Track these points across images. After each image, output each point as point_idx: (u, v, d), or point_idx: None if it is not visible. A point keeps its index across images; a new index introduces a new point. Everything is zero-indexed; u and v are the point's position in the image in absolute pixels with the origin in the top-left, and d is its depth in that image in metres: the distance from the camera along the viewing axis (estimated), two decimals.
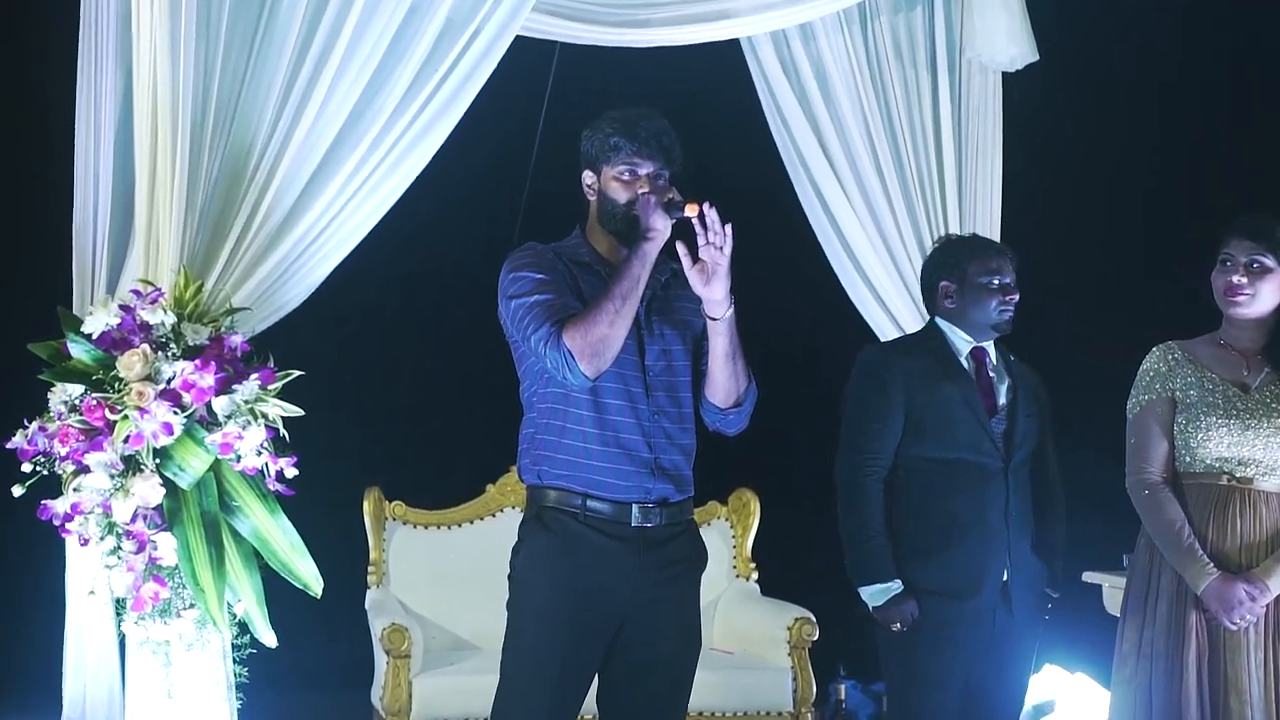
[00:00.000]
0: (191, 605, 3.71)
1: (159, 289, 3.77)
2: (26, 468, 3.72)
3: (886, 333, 5.27)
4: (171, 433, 3.60)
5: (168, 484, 3.67)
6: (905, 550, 3.87)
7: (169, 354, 3.68)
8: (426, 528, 5.64)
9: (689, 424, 3.40)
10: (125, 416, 3.60)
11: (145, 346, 3.65)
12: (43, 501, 3.69)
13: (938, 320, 4.07)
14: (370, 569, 5.49)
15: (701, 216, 3.19)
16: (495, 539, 5.49)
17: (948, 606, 3.84)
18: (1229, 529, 3.62)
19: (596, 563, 3.27)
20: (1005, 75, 5.49)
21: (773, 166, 5.41)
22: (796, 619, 5.35)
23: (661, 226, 3.21)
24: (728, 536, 5.83)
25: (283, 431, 3.75)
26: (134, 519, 3.63)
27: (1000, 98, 5.49)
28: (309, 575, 3.76)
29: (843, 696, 5.77)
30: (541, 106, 5.66)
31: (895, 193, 5.34)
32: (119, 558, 3.65)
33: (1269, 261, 3.66)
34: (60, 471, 3.71)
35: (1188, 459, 3.68)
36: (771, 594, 5.73)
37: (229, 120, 3.96)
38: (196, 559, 3.64)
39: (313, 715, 5.62)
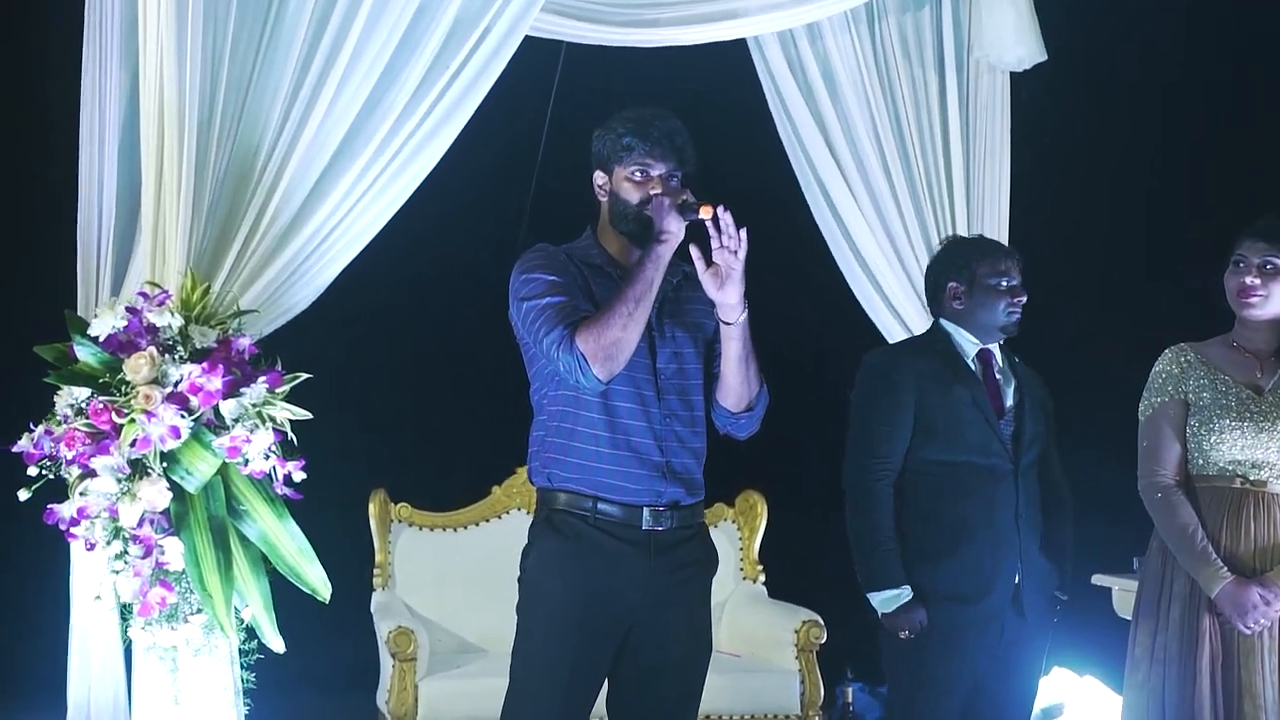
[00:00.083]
0: (199, 610, 3.68)
1: (166, 291, 3.74)
2: (32, 471, 3.70)
3: (894, 334, 5.26)
4: (179, 436, 3.58)
5: (175, 488, 3.64)
6: (914, 554, 3.85)
7: (176, 357, 3.65)
8: (432, 530, 5.63)
9: (700, 427, 3.38)
10: (132, 420, 3.57)
11: (152, 349, 3.62)
12: (49, 506, 3.66)
13: (943, 322, 4.04)
14: (376, 571, 5.47)
15: (716, 219, 3.17)
16: (501, 541, 5.54)
17: (957, 611, 3.81)
18: (1243, 532, 3.60)
19: (607, 566, 3.26)
20: (1012, 75, 5.48)
21: (778, 167, 5.39)
22: (804, 622, 5.34)
23: (675, 229, 3.18)
24: (734, 539, 5.81)
25: (291, 435, 3.72)
26: (141, 523, 3.61)
27: (1008, 98, 5.47)
28: (317, 580, 3.74)
29: (850, 699, 5.75)
30: (547, 107, 5.65)
31: (903, 193, 5.32)
32: (126, 562, 3.62)
33: None
34: (66, 475, 3.69)
35: (1201, 462, 3.66)
36: (778, 596, 5.71)
37: (236, 120, 3.94)
38: (204, 564, 3.62)
39: (318, 718, 5.59)
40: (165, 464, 3.63)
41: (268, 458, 3.67)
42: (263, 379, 3.68)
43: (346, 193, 4.04)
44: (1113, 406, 5.42)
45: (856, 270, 5.35)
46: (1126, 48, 5.94)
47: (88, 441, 3.61)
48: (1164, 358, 3.78)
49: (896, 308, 5.30)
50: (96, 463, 3.59)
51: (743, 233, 3.17)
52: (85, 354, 3.67)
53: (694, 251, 3.20)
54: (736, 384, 3.33)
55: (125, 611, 3.74)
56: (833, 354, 5.24)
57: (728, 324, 3.26)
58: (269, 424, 3.66)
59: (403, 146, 4.10)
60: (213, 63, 3.88)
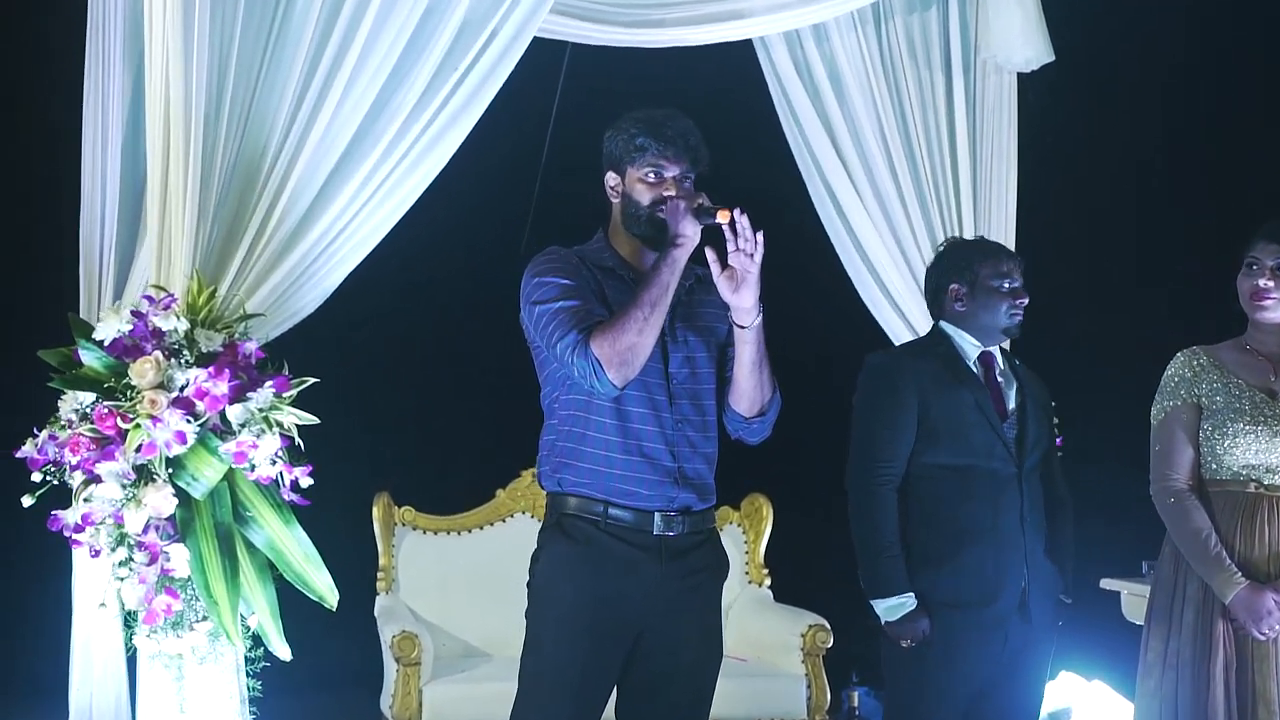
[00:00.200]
0: (204, 618, 3.64)
1: (171, 295, 3.70)
2: (36, 477, 3.65)
3: (900, 336, 5.24)
4: (185, 442, 3.53)
5: (180, 494, 3.59)
6: (918, 559, 3.82)
7: (182, 361, 3.61)
8: (436, 533, 5.61)
9: (712, 432, 3.35)
10: (137, 425, 3.53)
11: (158, 353, 3.58)
12: (53, 512, 3.62)
13: (944, 325, 4.01)
14: (379, 575, 5.46)
15: (732, 223, 3.14)
16: (505, 544, 5.56)
17: (961, 617, 3.78)
18: (1257, 537, 3.58)
19: (618, 571, 3.23)
20: (1019, 76, 5.46)
21: (784, 169, 5.38)
22: (810, 626, 5.32)
23: (691, 233, 3.15)
24: (740, 542, 5.80)
25: (298, 440, 3.68)
26: (146, 530, 3.56)
27: (1015, 99, 5.46)
28: (324, 587, 3.70)
29: (855, 703, 5.74)
30: (552, 108, 5.63)
31: (909, 195, 5.31)
32: (130, 569, 3.57)
33: None
34: (70, 481, 3.64)
35: (1214, 466, 3.64)
36: (784, 600, 5.71)
37: (242, 122, 3.90)
38: (210, 571, 3.58)
39: None
40: (171, 470, 3.59)
41: (274, 463, 3.63)
42: (270, 383, 3.64)
43: (354, 195, 4.00)
44: (1119, 408, 5.41)
45: (862, 272, 5.34)
46: (1130, 48, 5.94)
47: (92, 447, 3.56)
48: (1176, 361, 3.75)
49: (903, 309, 5.29)
50: (101, 468, 3.55)
51: (759, 235, 3.14)
52: (90, 358, 3.62)
53: (709, 254, 3.18)
54: (750, 388, 3.30)
55: (130, 619, 3.70)
56: (838, 356, 5.21)
57: (742, 327, 3.23)
58: (276, 429, 3.62)
59: (410, 148, 4.06)
60: (219, 64, 3.84)
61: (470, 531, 5.65)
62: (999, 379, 3.96)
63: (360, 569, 5.38)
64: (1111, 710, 5.30)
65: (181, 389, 3.57)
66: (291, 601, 3.79)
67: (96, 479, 3.57)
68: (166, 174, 3.79)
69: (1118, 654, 5.05)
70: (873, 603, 3.83)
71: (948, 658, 3.78)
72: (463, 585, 5.51)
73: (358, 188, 4.00)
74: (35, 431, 3.69)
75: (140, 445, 3.53)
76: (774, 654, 5.43)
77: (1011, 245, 5.40)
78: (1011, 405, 3.94)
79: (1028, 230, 5.50)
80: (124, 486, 3.57)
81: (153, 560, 3.56)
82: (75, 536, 3.62)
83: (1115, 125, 6.18)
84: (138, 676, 3.79)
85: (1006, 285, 3.93)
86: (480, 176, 5.01)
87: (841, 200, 5.29)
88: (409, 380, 6.11)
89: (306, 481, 3.69)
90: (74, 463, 3.58)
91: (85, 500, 3.58)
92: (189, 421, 3.55)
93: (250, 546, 3.68)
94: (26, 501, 3.62)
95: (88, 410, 3.60)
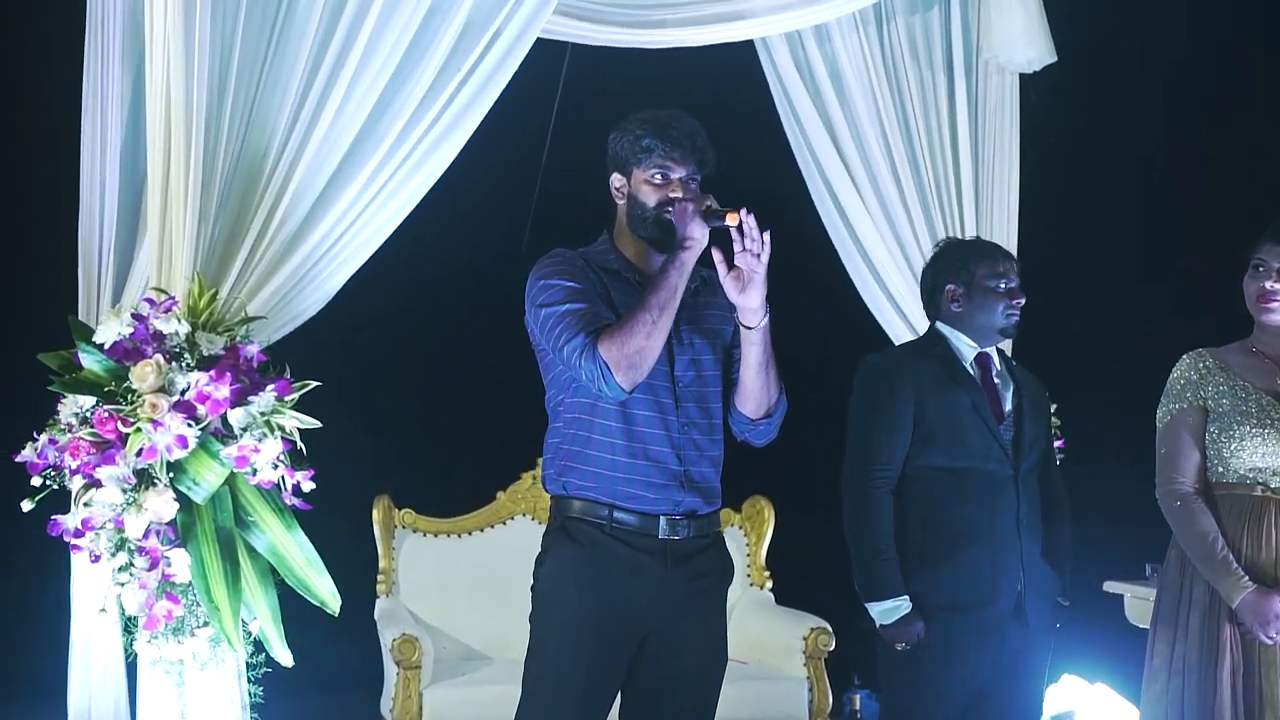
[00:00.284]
0: (206, 624, 3.61)
1: (172, 297, 3.67)
2: (36, 481, 3.62)
3: (901, 336, 5.23)
4: (186, 446, 3.50)
5: (181, 499, 3.56)
6: (914, 561, 3.80)
7: (183, 364, 3.58)
8: (437, 536, 5.60)
9: (719, 435, 3.34)
10: (138, 429, 3.49)
11: (159, 357, 3.55)
12: (53, 517, 3.59)
13: (940, 325, 4.00)
14: (380, 578, 5.44)
15: (739, 224, 3.12)
16: (506, 547, 5.54)
17: (958, 620, 3.77)
18: (1263, 541, 3.56)
19: (623, 575, 3.21)
20: (1021, 76, 5.45)
21: (785, 169, 5.37)
22: (812, 629, 5.31)
23: (700, 235, 3.14)
24: (741, 545, 5.79)
25: (299, 444, 3.66)
26: (147, 535, 3.53)
27: (1017, 99, 5.45)
28: (326, 592, 3.67)
29: (857, 706, 5.72)
30: (552, 109, 5.61)
31: (911, 196, 5.30)
32: (131, 575, 3.54)
33: None
34: (70, 486, 3.61)
35: (1220, 469, 3.62)
36: (786, 603, 5.69)
37: (244, 122, 3.87)
38: (211, 576, 3.55)
39: None
40: (172, 474, 3.56)
41: (276, 467, 3.60)
42: (271, 387, 3.61)
43: (356, 197, 3.98)
44: (1121, 408, 5.40)
45: (864, 273, 5.33)
46: (1131, 46, 5.93)
47: (92, 451, 3.53)
48: (1182, 363, 3.73)
49: (904, 310, 5.28)
50: (101, 473, 3.52)
51: (766, 235, 3.13)
52: (90, 361, 3.59)
53: (716, 255, 3.16)
54: (756, 390, 3.28)
55: (130, 624, 3.67)
56: (839, 357, 5.20)
57: (749, 328, 3.21)
58: (277, 433, 3.59)
59: (413, 150, 4.04)
60: (220, 64, 3.81)
61: (471, 534, 5.63)
62: (996, 380, 3.95)
63: (360, 571, 5.35)
64: (1114, 713, 5.30)
65: (183, 392, 3.54)
66: (291, 604, 3.77)
67: (97, 483, 3.53)
68: (167, 175, 3.77)
69: (1121, 657, 5.05)
70: (867, 606, 3.82)
71: (944, 660, 3.76)
72: (463, 588, 5.49)
73: (360, 189, 3.98)
74: (35, 435, 3.66)
75: (141, 449, 3.50)
76: (775, 657, 5.41)
77: (1013, 246, 5.40)
78: (1008, 407, 3.92)
79: (1030, 231, 5.49)
80: (124, 491, 3.54)
81: (153, 565, 3.53)
82: (75, 541, 3.59)
83: (1117, 124, 6.17)
84: (138, 683, 3.76)
85: (1003, 285, 3.92)
86: (481, 178, 4.99)
87: (843, 201, 5.29)
88: (409, 382, 6.08)
89: (308, 486, 3.66)
90: (74, 467, 3.55)
91: (85, 505, 3.55)
92: (190, 425, 3.51)
93: (252, 551, 3.65)
94: (26, 506, 3.59)
95: (88, 414, 3.57)
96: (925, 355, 3.95)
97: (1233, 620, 3.52)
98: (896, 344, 5.14)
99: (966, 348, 3.94)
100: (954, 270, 3.97)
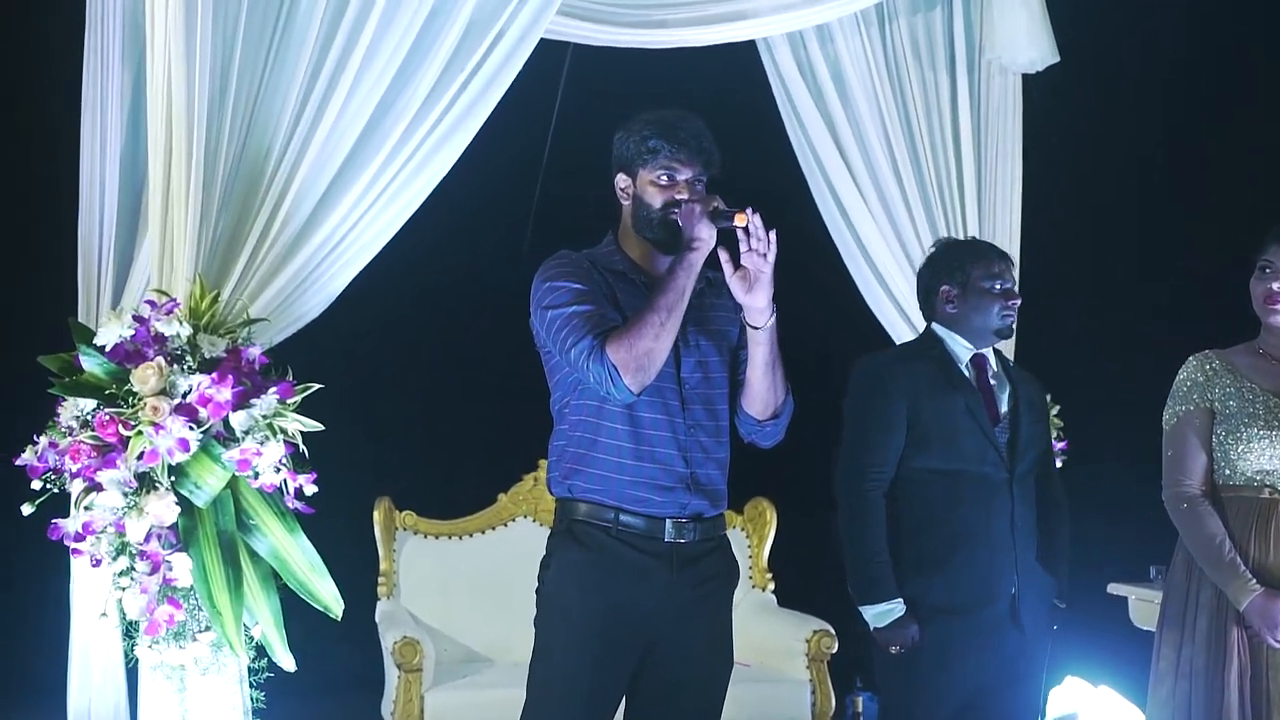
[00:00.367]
0: (207, 628, 3.58)
1: (174, 299, 3.64)
2: (36, 485, 3.60)
3: (902, 337, 5.22)
4: (187, 449, 3.48)
5: (183, 502, 3.54)
6: (909, 565, 3.79)
7: (185, 367, 3.55)
8: (438, 538, 5.57)
9: (725, 437, 3.32)
10: (139, 432, 3.47)
11: (160, 359, 3.52)
12: (53, 521, 3.57)
13: (935, 327, 3.98)
14: (380, 580, 5.41)
15: (746, 224, 3.10)
16: (508, 549, 5.52)
17: (951, 623, 3.75)
18: (1271, 543, 3.53)
19: (629, 578, 3.20)
20: (1024, 77, 5.43)
21: (786, 169, 5.36)
22: (815, 631, 5.29)
23: (707, 236, 3.12)
24: (744, 547, 5.76)
25: (302, 447, 3.63)
26: (148, 539, 3.51)
27: (1020, 100, 5.44)
28: (329, 597, 3.65)
29: (860, 709, 5.69)
30: (553, 110, 5.59)
31: (913, 196, 5.30)
32: (132, 579, 3.52)
33: None
34: (71, 489, 3.59)
35: (1227, 471, 3.60)
36: (788, 605, 5.66)
37: (246, 123, 3.85)
38: (213, 580, 3.53)
39: None
40: (173, 477, 3.53)
41: (278, 470, 3.58)
42: (273, 390, 3.59)
43: (359, 198, 3.96)
44: (1124, 409, 5.38)
45: (866, 273, 5.33)
46: (1132, 46, 5.92)
47: (93, 454, 3.50)
48: (1188, 365, 3.71)
49: (906, 311, 5.27)
50: (102, 476, 3.49)
51: (772, 235, 3.11)
52: (91, 364, 3.56)
53: (722, 255, 3.15)
54: (763, 390, 3.26)
55: (131, 629, 3.65)
56: (840, 358, 5.18)
57: (755, 328, 3.20)
58: (280, 436, 3.57)
59: (416, 151, 4.02)
60: (221, 65, 3.79)
61: (472, 536, 5.61)
62: (991, 381, 3.93)
63: (361, 574, 5.33)
64: (1118, 716, 5.27)
65: (184, 395, 3.52)
66: (291, 606, 3.75)
67: (97, 487, 3.51)
68: (169, 176, 3.75)
69: (1125, 659, 5.03)
70: (861, 609, 3.81)
71: (938, 663, 3.75)
72: (464, 590, 5.47)
73: (363, 191, 3.96)
74: (35, 438, 3.64)
75: (142, 453, 3.48)
76: (778, 659, 5.38)
77: (1016, 246, 5.40)
78: (1004, 409, 3.90)
79: (1032, 232, 5.48)
80: (125, 494, 3.52)
81: (155, 570, 3.50)
82: (76, 545, 3.56)
83: (1119, 124, 6.17)
84: (139, 688, 3.74)
85: (998, 286, 3.90)
86: (481, 180, 4.98)
87: (845, 202, 5.28)
88: (410, 385, 6.07)
89: (311, 489, 3.64)
90: (74, 470, 3.53)
91: (86, 508, 3.53)
92: (192, 428, 3.49)
93: (254, 555, 3.63)
94: (26, 510, 3.57)
95: (89, 417, 3.55)
96: (920, 357, 3.93)
97: (1240, 623, 3.49)
98: (896, 343, 5.13)
99: (962, 349, 3.92)
100: (949, 271, 3.95)
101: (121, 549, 3.52)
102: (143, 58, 3.95)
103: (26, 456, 3.62)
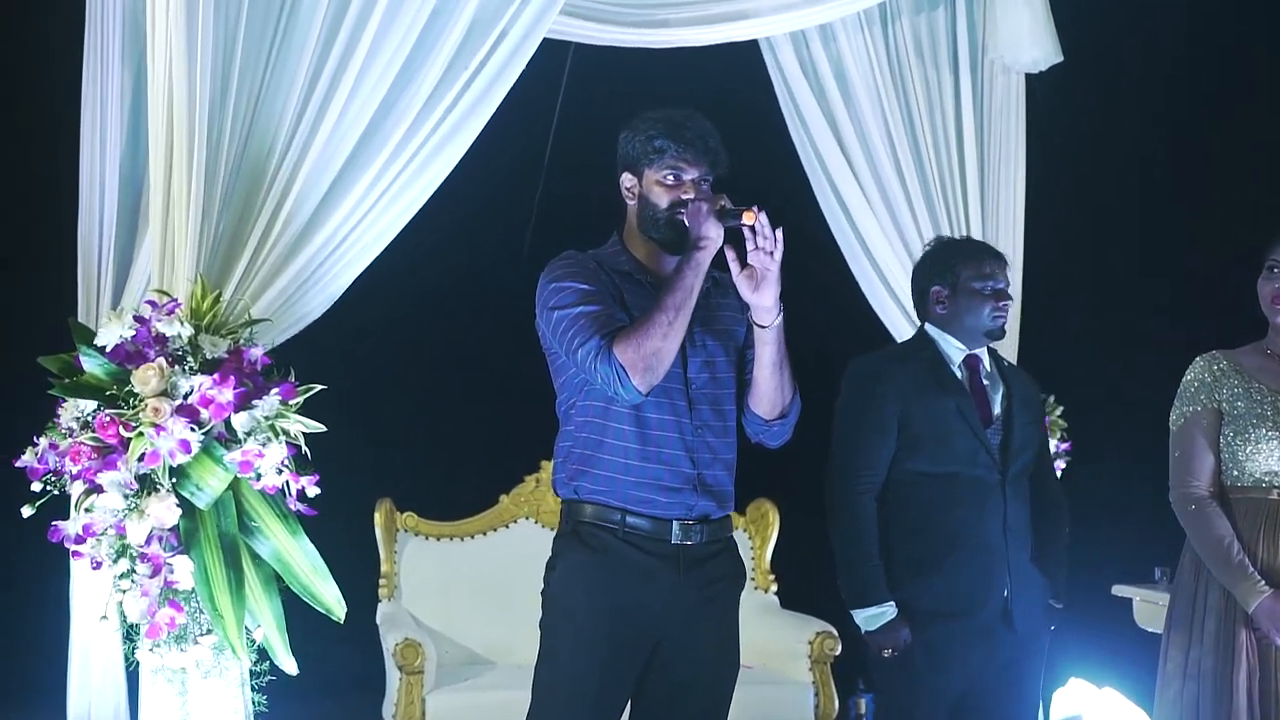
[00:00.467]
0: (209, 631, 3.55)
1: (175, 299, 3.61)
2: (36, 487, 3.56)
3: (905, 336, 5.19)
4: (189, 450, 3.44)
5: (184, 504, 3.50)
6: (901, 568, 3.78)
7: (186, 368, 3.52)
8: (439, 539, 5.56)
9: (732, 437, 3.30)
10: (140, 434, 3.43)
11: (161, 360, 3.48)
12: (53, 523, 3.54)
13: (928, 327, 3.97)
14: (381, 581, 5.40)
15: (753, 222, 3.09)
16: (509, 551, 5.52)
17: (944, 626, 3.74)
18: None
19: (636, 580, 3.18)
20: (1028, 76, 5.42)
21: (787, 168, 5.34)
22: (818, 633, 5.27)
23: (715, 235, 3.11)
24: (746, 548, 5.74)
25: (304, 449, 3.61)
26: (149, 541, 3.46)
27: (1023, 100, 5.44)
28: (331, 599, 3.62)
29: (863, 711, 5.67)
30: (554, 109, 5.57)
31: (916, 196, 5.28)
32: (133, 582, 3.48)
33: None
34: (71, 491, 3.56)
35: (1235, 473, 3.58)
36: (791, 607, 5.65)
37: (247, 122, 3.81)
38: (214, 583, 3.49)
39: None
40: (174, 479, 3.49)
41: (280, 472, 3.54)
42: (275, 391, 3.55)
43: (361, 197, 3.92)
44: (1126, 408, 5.37)
45: (869, 273, 5.31)
46: (1134, 44, 5.91)
47: (94, 456, 3.46)
48: (1195, 365, 3.69)
49: (909, 311, 5.23)
50: (103, 478, 3.45)
51: (779, 233, 3.10)
52: (91, 365, 3.52)
53: (729, 254, 3.13)
54: (770, 390, 3.25)
55: (132, 632, 3.62)
56: (842, 358, 5.17)
57: (762, 327, 3.18)
58: (282, 437, 3.54)
59: (418, 151, 3.99)
60: (223, 63, 3.76)
61: (473, 537, 5.59)
62: (985, 382, 3.92)
63: (362, 575, 5.31)
64: (1123, 718, 5.25)
65: (186, 396, 3.48)
66: (291, 607, 3.73)
67: (98, 489, 3.47)
68: (170, 176, 3.72)
69: (1130, 661, 5.02)
70: (853, 612, 3.80)
71: (932, 665, 3.74)
72: (466, 592, 5.45)
73: (365, 191, 3.93)
74: (35, 439, 3.61)
75: (143, 454, 3.44)
76: (781, 661, 5.37)
77: (1019, 246, 5.39)
78: (997, 410, 3.89)
79: (1035, 231, 5.47)
80: (126, 496, 3.47)
81: (155, 572, 3.46)
82: (76, 548, 3.53)
83: (1121, 123, 6.16)
84: (140, 691, 3.71)
85: (989, 287, 3.88)
86: (482, 180, 4.96)
87: (848, 201, 5.26)
88: (411, 386, 6.06)
89: (313, 491, 3.61)
90: (75, 472, 3.49)
91: (86, 510, 3.49)
92: (193, 430, 3.46)
93: (256, 558, 3.60)
94: (26, 512, 3.53)
95: (89, 418, 3.51)
96: (912, 359, 3.92)
97: (1249, 625, 3.48)
98: (891, 346, 5.11)
99: (954, 350, 3.91)
100: (939, 272, 3.94)
101: (122, 551, 3.48)
102: (143, 56, 3.93)
103: (26, 458, 3.58)
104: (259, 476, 3.54)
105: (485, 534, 5.60)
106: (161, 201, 3.72)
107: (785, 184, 5.37)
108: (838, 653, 5.26)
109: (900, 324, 5.27)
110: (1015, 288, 5.39)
